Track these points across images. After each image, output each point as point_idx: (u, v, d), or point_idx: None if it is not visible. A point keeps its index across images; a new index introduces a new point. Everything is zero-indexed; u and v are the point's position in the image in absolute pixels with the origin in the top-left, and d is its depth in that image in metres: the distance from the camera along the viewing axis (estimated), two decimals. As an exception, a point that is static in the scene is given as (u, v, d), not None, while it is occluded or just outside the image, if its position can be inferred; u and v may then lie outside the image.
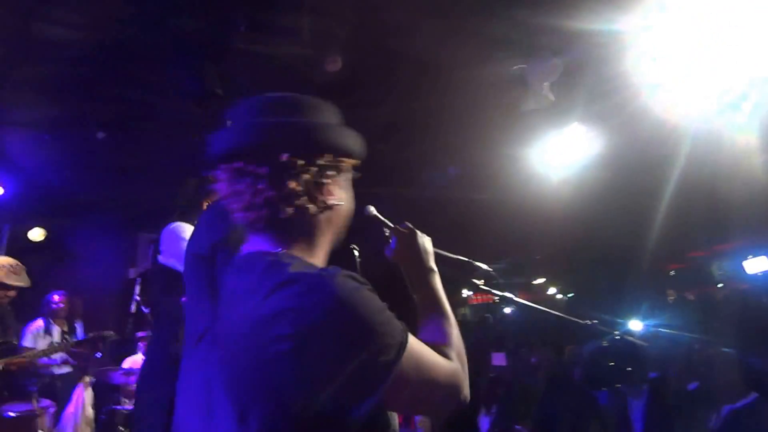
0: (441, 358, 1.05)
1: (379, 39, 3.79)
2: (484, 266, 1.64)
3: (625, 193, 6.26)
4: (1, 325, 4.16)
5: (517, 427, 4.59)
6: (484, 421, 5.46)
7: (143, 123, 5.01)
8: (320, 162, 1.08)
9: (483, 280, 1.67)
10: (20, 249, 6.40)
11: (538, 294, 16.19)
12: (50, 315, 5.36)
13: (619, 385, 4.32)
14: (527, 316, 10.21)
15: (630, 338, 3.07)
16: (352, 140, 1.17)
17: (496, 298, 1.75)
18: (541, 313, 1.97)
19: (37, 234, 7.05)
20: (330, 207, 1.11)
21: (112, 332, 4.94)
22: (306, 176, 1.06)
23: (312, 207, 1.07)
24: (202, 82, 4.05)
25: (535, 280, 16.28)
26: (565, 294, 16.56)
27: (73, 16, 3.60)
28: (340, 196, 1.15)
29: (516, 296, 1.82)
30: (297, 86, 3.81)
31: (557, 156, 5.13)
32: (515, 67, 4.00)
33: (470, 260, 1.62)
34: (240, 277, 1.05)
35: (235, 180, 1.07)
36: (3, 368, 3.99)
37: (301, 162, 1.05)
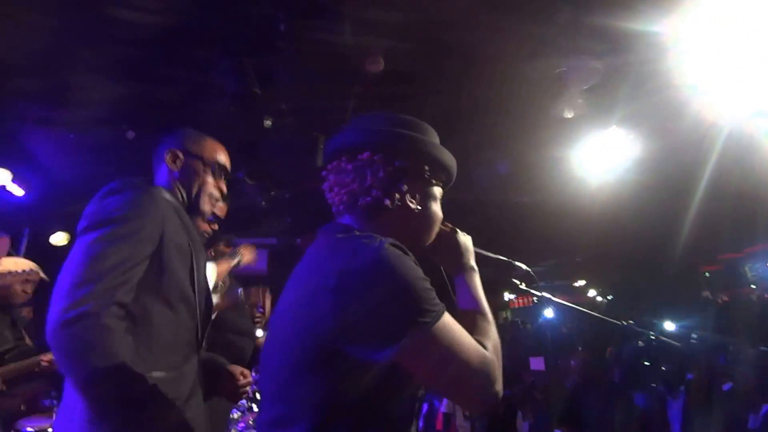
0: (477, 345, 1.16)
1: (424, 34, 3.92)
2: (524, 267, 1.75)
3: (662, 195, 6.39)
4: (12, 331, 4.06)
5: (556, 431, 4.84)
6: (523, 426, 5.71)
7: (175, 121, 5.08)
8: (399, 163, 1.31)
9: (522, 281, 1.80)
10: (42, 253, 6.13)
11: (578, 296, 16.31)
12: None
13: (657, 386, 4.54)
14: (566, 318, 10.41)
15: (667, 340, 3.28)
16: (435, 151, 1.38)
17: (535, 299, 1.96)
18: (579, 315, 2.13)
19: (60, 238, 7.05)
20: (406, 207, 1.32)
21: None
22: (383, 173, 1.29)
23: (387, 201, 1.29)
24: (240, 80, 4.21)
25: (575, 282, 16.43)
26: (605, 296, 16.72)
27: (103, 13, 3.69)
28: (423, 204, 1.36)
29: (554, 297, 1.94)
30: (338, 85, 3.97)
31: (597, 159, 5.32)
32: (557, 71, 4.14)
33: (510, 260, 1.72)
34: (318, 240, 1.32)
35: (333, 175, 1.37)
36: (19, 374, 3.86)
37: (379, 160, 1.30)
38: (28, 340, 4.20)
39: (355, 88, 4.52)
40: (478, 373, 1.13)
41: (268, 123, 4.67)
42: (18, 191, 5.80)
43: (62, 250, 6.80)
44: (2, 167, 5.56)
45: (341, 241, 1.20)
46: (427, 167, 1.36)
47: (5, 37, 3.88)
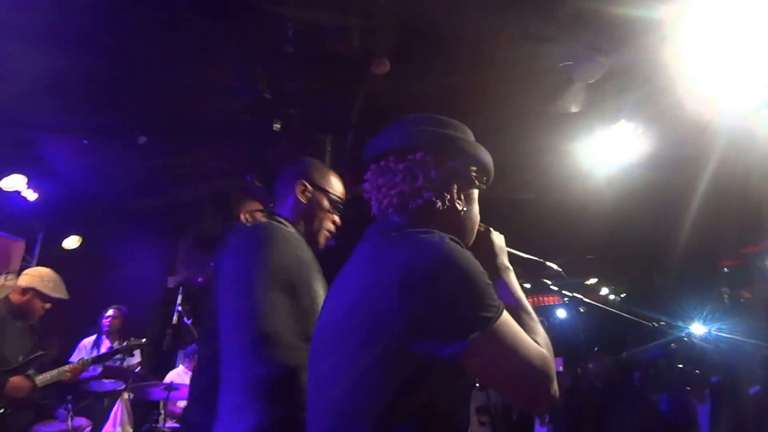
0: (534, 343, 1.14)
1: (424, 40, 3.93)
2: (556, 266, 1.73)
3: (675, 189, 6.30)
4: (31, 338, 4.17)
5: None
6: (540, 432, 5.62)
7: (186, 127, 5.13)
8: (451, 165, 1.32)
9: (553, 281, 1.77)
10: (55, 257, 6.45)
11: (590, 295, 16.15)
12: (104, 330, 5.58)
13: (681, 390, 4.44)
14: (584, 320, 10.27)
15: (690, 341, 3.17)
16: (481, 153, 1.39)
17: (566, 299, 1.90)
18: (598, 316, 2.08)
19: (72, 241, 7.00)
20: (455, 208, 1.33)
21: (143, 339, 4.97)
22: (435, 174, 1.29)
23: (438, 203, 1.30)
24: (251, 85, 4.22)
25: (587, 280, 16.25)
26: (617, 294, 16.51)
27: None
28: (467, 205, 1.37)
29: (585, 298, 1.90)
30: (346, 88, 3.96)
31: (606, 154, 5.24)
32: (561, 65, 4.08)
33: (542, 260, 1.70)
34: (368, 239, 1.32)
35: (378, 175, 1.35)
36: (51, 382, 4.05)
37: (431, 161, 1.29)
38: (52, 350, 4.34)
39: (361, 90, 4.53)
40: (539, 371, 1.11)
41: (277, 126, 4.62)
42: (32, 196, 5.80)
43: (74, 254, 7.01)
44: (17, 172, 5.57)
45: (400, 238, 1.19)
46: (474, 169, 1.38)
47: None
